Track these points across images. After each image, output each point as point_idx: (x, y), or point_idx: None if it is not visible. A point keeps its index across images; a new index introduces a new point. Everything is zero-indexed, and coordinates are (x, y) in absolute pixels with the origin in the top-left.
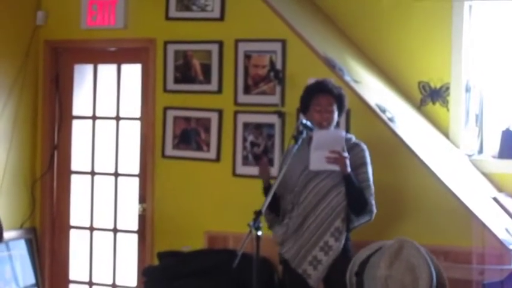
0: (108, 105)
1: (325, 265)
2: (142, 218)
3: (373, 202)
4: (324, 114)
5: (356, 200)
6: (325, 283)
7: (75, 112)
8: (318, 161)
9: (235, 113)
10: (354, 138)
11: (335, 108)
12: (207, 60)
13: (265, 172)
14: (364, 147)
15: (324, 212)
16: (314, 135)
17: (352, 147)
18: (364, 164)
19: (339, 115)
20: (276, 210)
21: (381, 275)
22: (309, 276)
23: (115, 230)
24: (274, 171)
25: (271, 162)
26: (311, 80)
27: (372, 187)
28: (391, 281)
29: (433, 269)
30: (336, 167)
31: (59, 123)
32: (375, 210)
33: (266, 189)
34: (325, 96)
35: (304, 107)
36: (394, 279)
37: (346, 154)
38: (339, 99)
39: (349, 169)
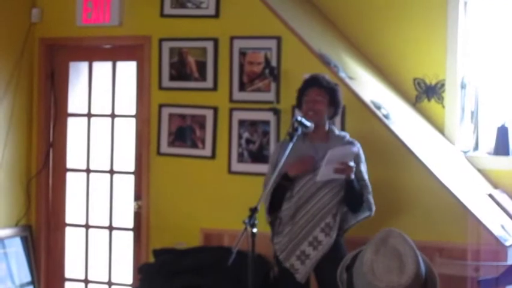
0: (103, 102)
1: (313, 260)
2: (137, 216)
3: (372, 199)
4: (310, 104)
5: (356, 201)
6: (318, 280)
7: (70, 110)
8: (326, 173)
9: (231, 110)
10: (348, 136)
11: (324, 100)
12: (202, 58)
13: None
14: (358, 145)
15: (315, 207)
16: (329, 152)
17: None
18: (360, 162)
19: (335, 112)
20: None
21: (366, 260)
22: (297, 271)
23: (110, 228)
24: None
25: (266, 159)
26: (306, 76)
27: (369, 185)
28: (377, 265)
29: (420, 259)
30: (341, 176)
31: (54, 120)
32: (374, 207)
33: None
34: (313, 89)
35: (298, 102)
36: (380, 264)
37: (352, 163)
38: (331, 93)
39: (353, 176)
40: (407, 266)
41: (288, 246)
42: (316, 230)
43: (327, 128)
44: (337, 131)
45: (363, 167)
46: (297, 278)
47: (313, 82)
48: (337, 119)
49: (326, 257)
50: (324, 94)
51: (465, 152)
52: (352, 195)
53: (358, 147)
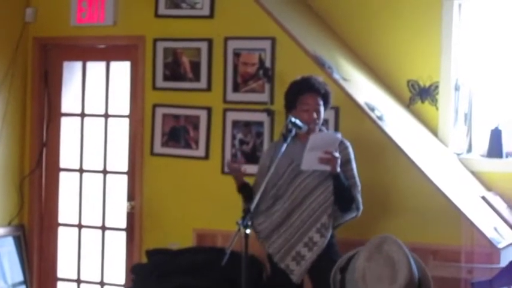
0: (97, 102)
1: (308, 261)
2: (130, 216)
3: (360, 199)
4: (312, 114)
5: (344, 197)
6: (312, 279)
7: (63, 109)
8: (310, 161)
9: (224, 110)
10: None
11: (322, 107)
12: (196, 58)
13: (239, 173)
14: (348, 144)
15: (310, 208)
16: (311, 137)
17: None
18: (350, 161)
19: (324, 111)
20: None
21: (359, 266)
22: (292, 272)
23: (103, 228)
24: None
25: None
26: (297, 78)
27: (358, 184)
28: (369, 272)
29: (414, 266)
30: (326, 167)
31: (47, 120)
32: (361, 207)
33: (240, 188)
34: (312, 96)
35: (291, 105)
36: (372, 272)
37: (337, 154)
38: (325, 97)
39: (338, 169)
40: (399, 275)
41: (283, 248)
42: (312, 231)
43: (319, 126)
44: (325, 131)
45: (354, 166)
46: (293, 279)
47: (309, 87)
48: (332, 121)
49: (320, 256)
50: (320, 100)
51: (458, 154)
52: (340, 192)
53: (348, 144)
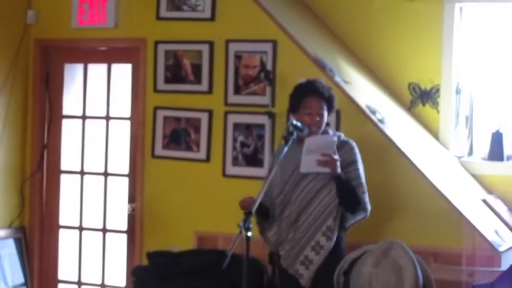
0: (98, 104)
1: (316, 265)
2: (131, 218)
3: (367, 199)
4: (315, 117)
5: (349, 198)
6: (315, 282)
7: (65, 111)
8: (308, 163)
9: (226, 113)
10: (343, 136)
11: (325, 111)
12: (197, 60)
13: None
14: (354, 144)
15: (316, 211)
16: (306, 140)
17: (342, 145)
18: (355, 161)
19: (328, 115)
20: (266, 218)
21: (365, 272)
22: (301, 276)
23: (104, 230)
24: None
25: (261, 163)
26: (302, 80)
27: (364, 184)
28: (376, 279)
29: (419, 272)
30: (326, 170)
31: (48, 122)
32: (369, 207)
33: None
34: (316, 99)
35: (294, 107)
36: (379, 278)
37: (336, 157)
38: (329, 101)
39: (339, 170)
40: (405, 282)
41: (291, 253)
42: (318, 234)
43: (321, 130)
44: (331, 131)
45: (359, 166)
46: (301, 283)
47: (314, 90)
48: (333, 124)
49: (326, 261)
50: (324, 104)
51: (459, 157)
52: (343, 193)
53: (354, 145)
